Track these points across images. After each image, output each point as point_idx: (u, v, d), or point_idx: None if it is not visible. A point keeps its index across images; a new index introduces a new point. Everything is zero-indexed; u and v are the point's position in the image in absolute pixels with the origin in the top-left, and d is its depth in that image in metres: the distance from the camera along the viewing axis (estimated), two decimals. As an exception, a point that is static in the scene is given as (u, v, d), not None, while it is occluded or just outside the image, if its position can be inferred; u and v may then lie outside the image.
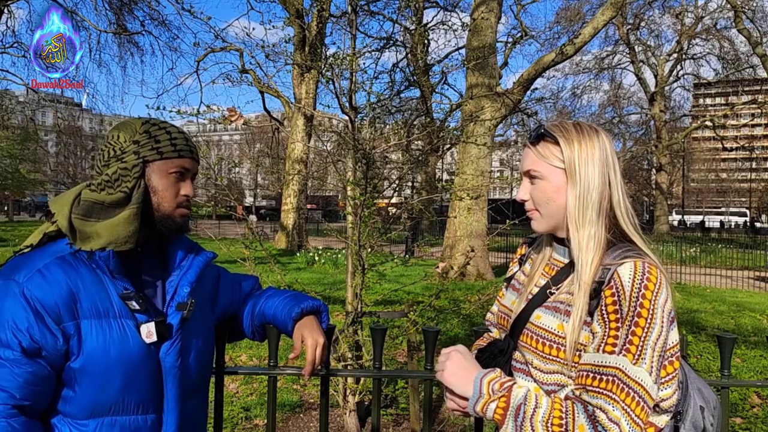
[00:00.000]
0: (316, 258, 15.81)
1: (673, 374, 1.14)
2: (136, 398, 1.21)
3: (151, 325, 1.20)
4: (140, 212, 1.24)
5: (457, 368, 1.21)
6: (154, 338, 1.21)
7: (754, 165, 58.83)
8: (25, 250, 1.25)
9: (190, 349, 1.30)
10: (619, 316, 1.08)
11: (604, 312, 1.11)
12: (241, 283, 1.59)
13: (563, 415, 1.06)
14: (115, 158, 1.25)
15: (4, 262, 1.25)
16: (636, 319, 1.07)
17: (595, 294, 1.13)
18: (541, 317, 1.21)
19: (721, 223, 44.49)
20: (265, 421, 3.04)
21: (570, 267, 1.23)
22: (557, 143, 1.21)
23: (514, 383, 1.16)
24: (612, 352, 1.07)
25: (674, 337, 1.14)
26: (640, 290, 1.08)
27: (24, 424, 1.11)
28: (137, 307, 1.20)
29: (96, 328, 1.17)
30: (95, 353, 1.16)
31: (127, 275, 1.23)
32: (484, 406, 1.14)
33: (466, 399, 1.18)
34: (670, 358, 1.13)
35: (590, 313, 1.13)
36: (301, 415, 4.66)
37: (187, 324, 1.28)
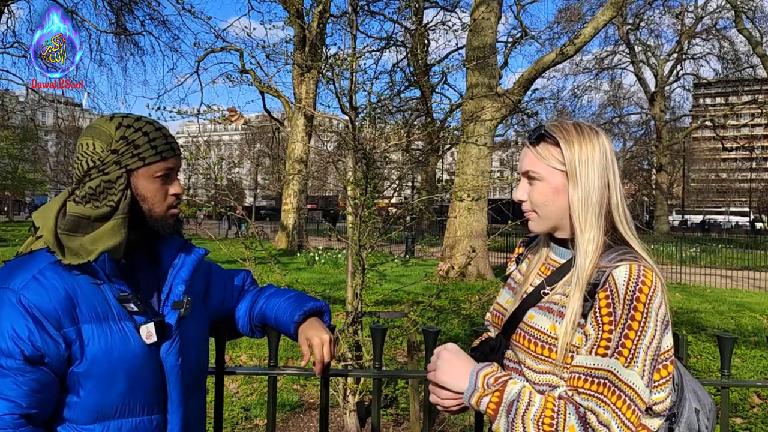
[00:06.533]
0: (316, 258, 15.81)
1: (667, 378, 1.14)
2: (140, 400, 1.20)
3: (151, 326, 1.20)
4: (127, 221, 1.21)
5: (449, 366, 1.20)
6: (154, 339, 1.20)
7: (754, 165, 58.77)
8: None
9: (189, 347, 1.30)
10: (612, 318, 1.08)
11: (597, 314, 1.10)
12: (233, 278, 1.58)
13: (554, 415, 1.06)
14: (96, 170, 1.20)
15: None
16: (629, 322, 1.06)
17: (590, 296, 1.13)
18: (534, 317, 1.21)
19: (702, 222, 44.18)
20: (265, 421, 3.04)
21: (565, 268, 1.22)
22: (557, 144, 1.20)
23: (510, 378, 1.15)
24: (604, 355, 1.07)
25: (668, 341, 1.14)
26: (635, 293, 1.07)
27: None
28: (135, 308, 1.19)
29: (97, 331, 1.15)
30: (98, 357, 1.15)
31: (122, 277, 1.22)
32: (478, 399, 1.14)
33: (461, 394, 1.18)
34: (664, 362, 1.13)
35: (584, 315, 1.13)
36: (301, 415, 4.66)
37: (183, 322, 1.28)
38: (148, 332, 1.20)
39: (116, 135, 1.22)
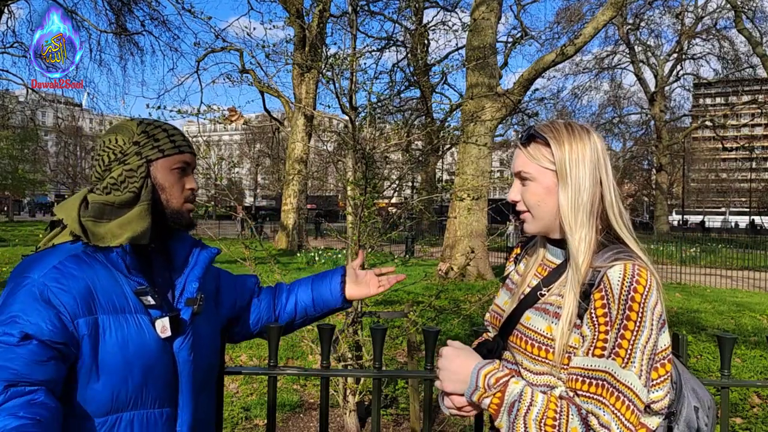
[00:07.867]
0: (316, 258, 15.82)
1: (665, 377, 1.13)
2: (153, 393, 1.21)
3: (166, 320, 1.22)
4: (150, 209, 1.26)
5: (450, 375, 1.20)
6: (169, 333, 1.22)
7: (754, 165, 58.76)
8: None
9: (200, 344, 1.32)
10: (608, 319, 1.08)
11: (593, 315, 1.10)
12: (245, 280, 1.62)
13: (557, 416, 1.06)
14: (117, 161, 1.27)
15: (17, 264, 1.24)
16: (625, 322, 1.06)
17: (585, 296, 1.12)
18: (531, 318, 1.20)
19: (702, 223, 44.29)
20: (265, 421, 3.04)
21: (562, 268, 1.22)
22: (548, 144, 1.20)
23: (511, 377, 1.15)
24: (601, 356, 1.07)
25: (665, 339, 1.14)
26: (629, 293, 1.07)
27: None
28: (153, 302, 1.21)
29: (114, 323, 1.17)
30: (114, 349, 1.16)
31: (141, 271, 1.25)
32: (479, 398, 1.15)
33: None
34: (661, 361, 1.13)
35: (580, 316, 1.12)
36: (301, 415, 4.67)
37: (196, 319, 1.30)
38: (163, 326, 1.21)
39: (138, 130, 1.30)
